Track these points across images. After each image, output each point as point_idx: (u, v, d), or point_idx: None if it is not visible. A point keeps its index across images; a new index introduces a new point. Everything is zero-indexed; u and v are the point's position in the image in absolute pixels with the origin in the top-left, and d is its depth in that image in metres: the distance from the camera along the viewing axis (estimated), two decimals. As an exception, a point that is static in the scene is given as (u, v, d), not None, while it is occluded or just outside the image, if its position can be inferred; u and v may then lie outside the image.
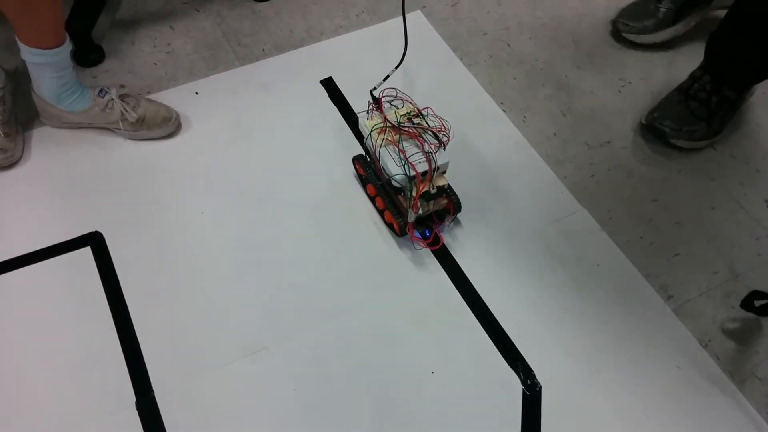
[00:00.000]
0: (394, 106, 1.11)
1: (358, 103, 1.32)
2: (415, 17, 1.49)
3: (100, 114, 1.20)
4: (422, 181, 1.02)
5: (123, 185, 1.18)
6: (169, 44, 1.40)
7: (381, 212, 1.17)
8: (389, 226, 1.15)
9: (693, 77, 1.31)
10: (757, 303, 1.07)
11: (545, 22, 1.52)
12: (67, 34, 1.12)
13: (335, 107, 1.32)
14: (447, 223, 1.15)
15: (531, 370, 1.02)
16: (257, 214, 1.16)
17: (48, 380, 0.98)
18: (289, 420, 0.96)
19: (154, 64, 1.37)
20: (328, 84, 1.36)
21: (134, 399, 0.96)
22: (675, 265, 1.15)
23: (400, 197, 1.08)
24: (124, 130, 1.21)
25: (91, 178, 1.19)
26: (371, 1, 1.52)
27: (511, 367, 1.02)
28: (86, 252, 1.11)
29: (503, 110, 1.35)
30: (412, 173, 1.01)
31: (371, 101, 1.12)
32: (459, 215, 1.16)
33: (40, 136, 1.24)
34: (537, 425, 0.97)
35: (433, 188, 1.04)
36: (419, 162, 1.02)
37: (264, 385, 0.99)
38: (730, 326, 1.09)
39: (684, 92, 1.30)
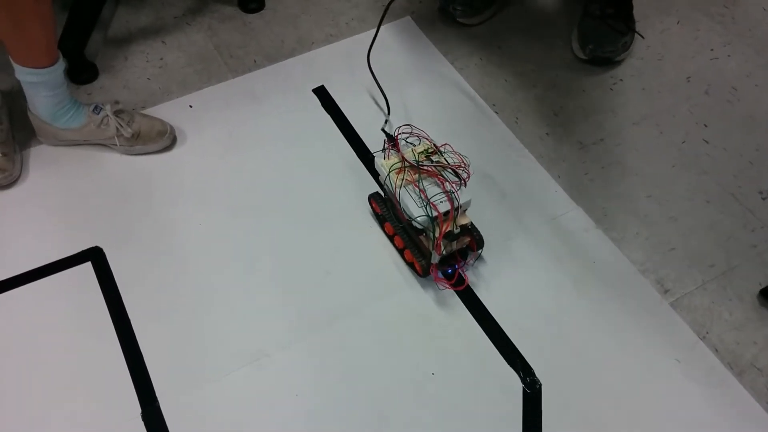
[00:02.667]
0: (410, 143, 1.09)
1: (351, 111, 1.33)
2: (404, 23, 1.50)
3: (95, 130, 1.21)
4: (445, 221, 1.00)
5: (121, 200, 1.19)
6: (161, 59, 1.42)
7: (401, 251, 1.13)
8: (410, 265, 1.11)
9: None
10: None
11: (535, 22, 1.53)
12: (60, 53, 1.13)
13: (328, 115, 1.33)
14: (471, 261, 1.13)
15: (530, 369, 1.03)
16: (254, 225, 1.17)
17: (53, 395, 0.99)
18: (292, 426, 0.97)
19: (148, 79, 1.38)
20: (321, 92, 1.37)
21: (139, 409, 0.97)
22: (671, 260, 1.16)
23: (422, 237, 1.04)
24: (120, 145, 1.22)
25: (90, 194, 1.20)
26: (360, 9, 1.53)
27: (511, 365, 1.03)
28: (87, 267, 1.12)
29: (495, 112, 1.36)
30: (434, 214, 0.99)
31: (386, 140, 1.10)
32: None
33: (38, 155, 1.25)
34: (538, 423, 0.97)
35: (456, 228, 1.01)
36: (441, 202, 1.00)
37: (267, 392, 1.00)
38: (727, 318, 1.10)
39: (595, 17, 1.43)
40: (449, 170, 1.04)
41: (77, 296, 1.08)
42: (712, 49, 1.49)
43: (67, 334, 1.04)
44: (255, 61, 1.42)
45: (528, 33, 1.51)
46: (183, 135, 1.29)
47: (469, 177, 1.05)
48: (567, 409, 0.99)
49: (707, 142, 1.33)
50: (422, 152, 1.06)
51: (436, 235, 0.99)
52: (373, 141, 1.29)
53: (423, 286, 1.10)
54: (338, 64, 1.42)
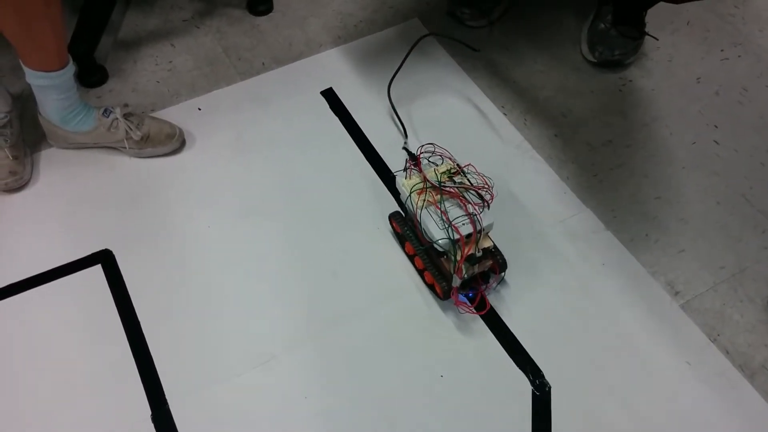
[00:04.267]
0: (433, 162, 1.07)
1: (360, 113, 1.33)
2: (413, 24, 1.50)
3: (105, 133, 1.21)
4: (467, 244, 0.97)
5: (130, 203, 1.20)
6: (170, 62, 1.42)
7: (421, 272, 1.10)
8: (430, 287, 1.09)
9: (600, 3, 1.45)
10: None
11: (544, 24, 1.53)
12: (70, 56, 1.14)
13: (336, 117, 1.33)
14: (493, 285, 1.10)
15: (540, 371, 1.02)
16: (263, 227, 1.18)
17: (64, 398, 0.99)
18: (301, 428, 0.97)
19: (157, 82, 1.39)
20: (329, 95, 1.37)
21: (150, 412, 0.98)
22: (681, 262, 1.16)
23: (443, 259, 1.02)
24: (130, 148, 1.23)
25: (99, 196, 1.21)
26: (369, 12, 1.54)
27: (520, 368, 1.02)
28: (97, 270, 1.12)
29: (504, 114, 1.36)
30: (456, 237, 0.97)
31: (408, 159, 1.08)
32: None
33: (48, 158, 1.26)
34: (548, 425, 0.97)
35: (478, 251, 0.99)
36: (463, 224, 0.98)
37: (275, 394, 1.00)
38: (738, 320, 1.09)
39: (607, 22, 1.42)
40: (472, 192, 1.03)
41: (87, 299, 1.09)
42: (722, 50, 1.48)
43: (77, 337, 1.05)
44: (263, 64, 1.42)
45: (536, 35, 1.51)
46: (192, 138, 1.29)
47: (492, 199, 1.03)
48: (576, 412, 0.99)
49: (717, 143, 1.32)
50: (444, 172, 1.04)
51: (458, 258, 0.97)
52: (382, 143, 1.29)
53: (431, 289, 1.10)
54: (347, 66, 1.42)
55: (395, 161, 1.26)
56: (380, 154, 1.27)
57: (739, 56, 1.47)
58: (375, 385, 1.01)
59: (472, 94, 1.38)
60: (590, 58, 1.44)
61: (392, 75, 1.35)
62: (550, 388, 1.01)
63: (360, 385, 1.01)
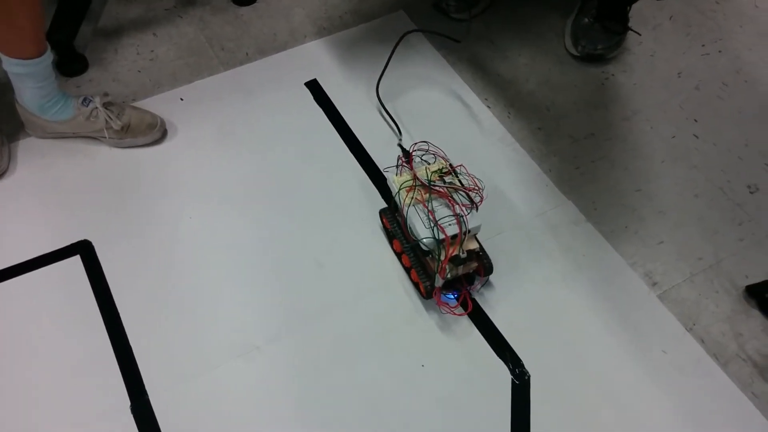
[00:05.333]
0: (425, 161, 1.07)
1: (344, 105, 1.33)
2: (398, 17, 1.50)
3: (84, 123, 1.20)
4: (452, 245, 0.97)
5: (110, 193, 1.19)
6: (152, 51, 1.41)
7: (407, 270, 1.10)
8: (415, 285, 1.09)
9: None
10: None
11: (528, 17, 1.53)
12: (48, 44, 1.12)
13: (320, 109, 1.33)
14: (477, 287, 1.09)
15: (519, 360, 1.03)
16: (245, 219, 1.17)
17: (42, 388, 0.98)
18: (283, 416, 0.97)
19: (138, 71, 1.37)
20: (313, 86, 1.37)
21: (129, 403, 0.97)
22: (660, 253, 1.17)
23: (428, 259, 1.02)
24: (110, 138, 1.22)
25: (78, 187, 1.20)
26: (354, 3, 1.53)
27: (500, 357, 1.03)
28: (76, 260, 1.11)
29: (487, 106, 1.36)
30: (441, 236, 0.96)
31: (401, 155, 1.08)
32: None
33: (26, 147, 1.24)
34: (526, 413, 0.98)
35: (463, 252, 0.99)
36: (449, 224, 0.98)
37: (257, 384, 1.00)
38: (714, 310, 1.11)
39: (590, 16, 1.44)
40: (462, 193, 1.03)
41: (66, 289, 1.08)
42: (703, 45, 1.50)
43: (56, 328, 1.04)
44: (247, 54, 1.42)
45: (521, 28, 1.51)
46: (173, 128, 1.28)
47: (482, 201, 1.03)
48: (555, 400, 1.00)
49: (697, 137, 1.33)
50: (436, 171, 1.04)
51: (442, 258, 0.98)
52: (366, 135, 1.29)
53: (416, 287, 1.10)
54: (331, 58, 1.42)
55: (379, 153, 1.26)
56: (364, 146, 1.27)
57: (720, 51, 1.48)
58: (357, 375, 1.01)
59: (456, 87, 1.38)
60: (573, 52, 1.44)
61: (380, 73, 1.35)
62: (529, 376, 1.02)
63: (342, 376, 1.01)
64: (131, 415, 0.96)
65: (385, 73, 1.35)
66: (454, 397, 1.00)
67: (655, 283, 1.13)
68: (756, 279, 1.13)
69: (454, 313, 1.06)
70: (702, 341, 1.07)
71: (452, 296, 1.06)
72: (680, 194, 1.25)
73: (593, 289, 1.11)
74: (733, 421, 1.00)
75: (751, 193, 1.26)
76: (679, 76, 1.43)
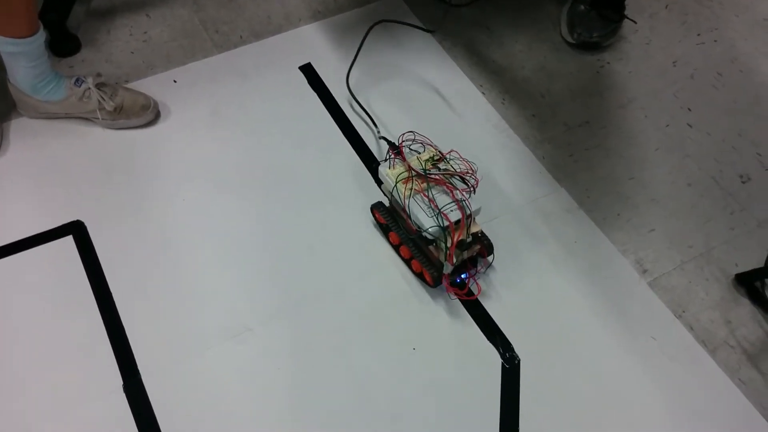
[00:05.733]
0: (414, 150, 1.07)
1: (338, 89, 1.33)
2: (393, 1, 1.49)
3: (77, 103, 1.20)
4: (456, 230, 0.97)
5: (103, 174, 1.18)
6: (145, 32, 1.40)
7: (407, 261, 1.09)
8: (419, 275, 1.08)
9: None
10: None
11: (524, 3, 1.53)
12: (41, 23, 1.12)
13: (315, 93, 1.33)
14: (482, 269, 1.10)
15: (510, 344, 1.04)
16: (238, 201, 1.17)
17: (35, 368, 0.98)
18: (274, 397, 0.97)
19: (131, 52, 1.37)
20: (307, 70, 1.36)
21: (121, 382, 0.97)
22: (651, 241, 1.18)
23: (431, 247, 1.02)
24: (103, 119, 1.21)
25: (71, 167, 1.19)
26: (349, -14, 1.52)
27: (490, 341, 1.04)
28: (68, 241, 1.11)
29: (482, 93, 1.36)
30: (446, 224, 0.96)
31: (390, 148, 1.08)
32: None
33: (18, 128, 1.23)
34: (516, 397, 0.99)
35: (468, 236, 0.99)
36: (451, 210, 0.98)
37: (249, 365, 1.00)
38: (703, 297, 1.11)
39: (586, 3, 1.43)
40: (457, 177, 1.02)
41: (58, 270, 1.08)
42: (698, 34, 1.50)
43: (48, 307, 1.04)
44: (241, 37, 1.41)
45: (517, 14, 1.51)
46: (167, 110, 1.28)
47: (477, 183, 1.03)
48: (544, 384, 1.01)
49: (691, 126, 1.34)
50: (428, 159, 1.04)
51: (448, 245, 0.97)
52: (360, 120, 1.28)
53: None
54: (325, 41, 1.41)
55: (373, 138, 1.26)
56: (358, 131, 1.27)
57: (715, 41, 1.48)
58: (348, 357, 1.02)
59: (452, 73, 1.38)
60: (569, 39, 1.44)
61: (350, 65, 1.33)
62: (519, 361, 1.02)
63: (333, 358, 1.01)
64: (123, 395, 0.96)
65: (380, 60, 1.35)
66: (444, 381, 1.00)
67: (645, 271, 1.14)
68: (746, 267, 1.14)
69: (464, 297, 1.07)
70: (691, 328, 1.08)
71: (460, 280, 1.06)
72: (673, 183, 1.25)
73: (584, 276, 1.12)
74: (720, 407, 1.01)
75: (743, 182, 1.26)
76: (675, 65, 1.43)
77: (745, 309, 1.11)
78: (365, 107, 1.28)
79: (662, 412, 0.99)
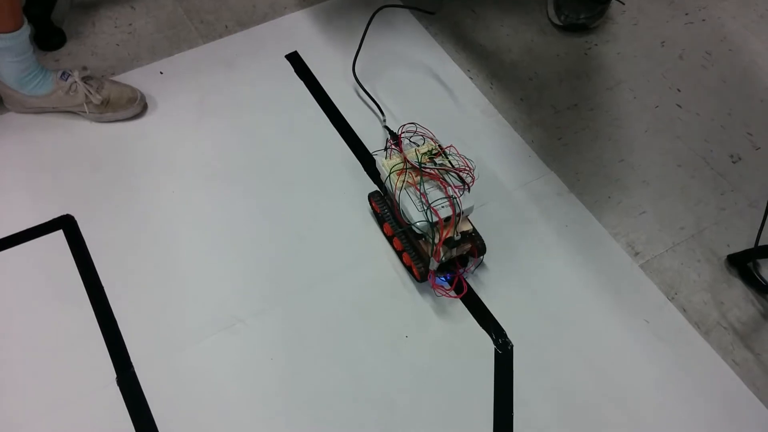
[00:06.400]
0: (414, 143, 1.05)
1: (325, 78, 1.32)
2: (379, -13, 1.48)
3: (64, 97, 1.19)
4: (446, 227, 0.96)
5: (92, 168, 1.18)
6: (130, 24, 1.39)
7: (399, 253, 1.09)
8: (408, 269, 1.07)
9: None
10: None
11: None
12: (25, 18, 1.10)
13: (302, 81, 1.32)
14: (471, 268, 1.09)
15: (502, 330, 1.04)
16: (227, 192, 1.17)
17: (28, 363, 0.98)
18: (267, 388, 0.98)
19: (117, 45, 1.35)
20: (294, 58, 1.35)
21: (115, 375, 0.97)
22: (642, 223, 1.18)
23: (421, 242, 1.01)
24: (90, 112, 1.20)
25: (59, 162, 1.18)
26: (335, -27, 1.51)
27: (483, 327, 1.04)
28: (59, 235, 1.10)
29: (470, 78, 1.35)
30: (435, 219, 0.96)
31: (389, 138, 1.06)
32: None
33: (5, 123, 1.22)
34: (509, 382, 0.99)
35: (457, 234, 0.98)
36: (442, 207, 0.97)
37: (241, 356, 1.00)
38: (695, 279, 1.12)
39: None
40: (453, 174, 1.01)
41: (49, 264, 1.07)
42: (687, 14, 1.49)
43: (40, 302, 1.04)
44: (226, 27, 1.40)
45: (504, -2, 1.50)
46: (153, 102, 1.27)
47: (473, 182, 1.02)
48: (538, 369, 1.01)
49: (680, 107, 1.33)
50: (425, 153, 1.02)
51: (436, 241, 0.96)
52: (347, 107, 1.28)
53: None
54: (311, 29, 1.40)
55: (361, 126, 1.26)
56: (346, 119, 1.26)
57: (704, 20, 1.48)
58: (341, 346, 1.02)
59: (438, 59, 1.37)
60: (556, 21, 1.43)
61: (356, 51, 1.32)
62: (512, 346, 1.03)
63: (325, 347, 1.02)
64: (117, 388, 0.96)
65: (366, 47, 1.34)
66: (437, 368, 1.00)
67: (637, 253, 1.14)
68: (737, 248, 1.14)
69: (449, 296, 1.06)
70: (684, 310, 1.08)
71: (445, 279, 1.05)
72: (663, 164, 1.25)
73: (576, 260, 1.12)
74: (714, 388, 1.01)
75: (733, 162, 1.26)
76: (663, 46, 1.43)
77: (737, 290, 1.12)
78: (372, 95, 1.28)
79: (656, 394, 1.00)
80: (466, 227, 1.00)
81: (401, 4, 1.41)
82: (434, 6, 1.37)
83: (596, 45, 1.42)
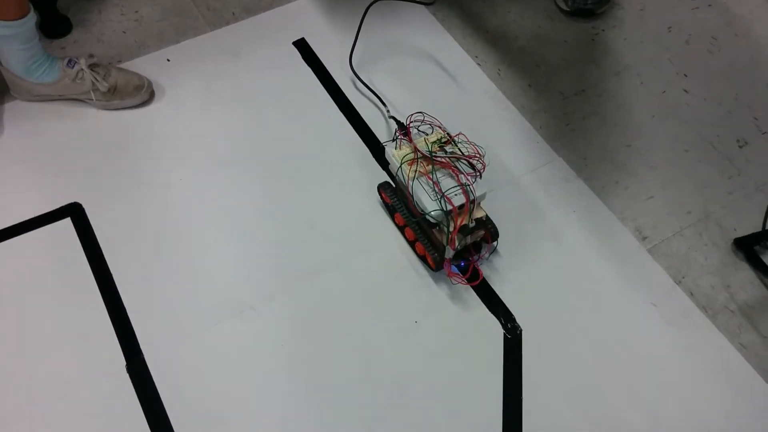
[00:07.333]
0: (422, 132, 1.05)
1: (333, 65, 1.32)
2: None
3: (70, 85, 1.19)
4: (460, 215, 0.96)
5: (99, 156, 1.18)
6: (136, 12, 1.38)
7: (411, 243, 1.09)
8: (422, 258, 1.08)
9: None
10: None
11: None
12: (31, 5, 1.10)
13: (310, 69, 1.32)
14: (486, 255, 1.09)
15: (511, 315, 1.04)
16: (236, 179, 1.17)
17: (37, 351, 0.99)
18: (277, 375, 0.98)
19: (123, 32, 1.35)
20: (301, 45, 1.35)
21: (124, 362, 0.98)
22: (650, 207, 1.18)
23: (435, 231, 1.01)
24: (97, 100, 1.20)
25: (67, 149, 1.18)
26: (340, -40, 1.50)
27: (492, 312, 1.05)
28: (67, 223, 1.11)
29: (478, 64, 1.35)
30: (449, 208, 0.95)
31: (398, 129, 1.06)
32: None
33: (12, 111, 1.22)
34: (519, 367, 0.99)
35: (471, 222, 0.98)
36: (455, 195, 0.97)
37: (251, 343, 1.01)
38: (703, 263, 1.12)
39: None
40: (463, 161, 1.01)
41: (58, 252, 1.08)
42: (693, -1, 1.49)
43: (49, 290, 1.04)
44: (233, 14, 1.39)
45: (510, -17, 1.49)
46: (161, 89, 1.27)
47: (484, 168, 1.01)
48: (547, 354, 1.01)
49: (687, 92, 1.33)
50: (435, 142, 1.02)
51: (451, 229, 0.96)
52: (356, 94, 1.28)
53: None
54: (318, 15, 1.40)
55: (369, 112, 1.25)
56: (354, 105, 1.26)
57: (710, 5, 1.47)
58: (351, 332, 1.02)
59: (446, 45, 1.37)
60: (563, 6, 1.43)
61: (352, 44, 1.31)
62: (521, 331, 1.03)
63: (336, 333, 1.02)
64: (127, 375, 0.97)
65: (375, 33, 1.34)
66: (447, 353, 1.01)
67: (645, 238, 1.14)
68: (744, 232, 1.15)
69: (465, 283, 1.06)
70: (691, 294, 1.08)
71: (463, 265, 1.05)
72: (671, 149, 1.25)
73: (584, 245, 1.12)
74: (721, 371, 1.01)
75: (740, 147, 1.26)
76: (669, 31, 1.42)
77: (744, 273, 1.12)
78: (371, 87, 1.27)
79: (663, 377, 1.00)
80: (479, 214, 1.00)
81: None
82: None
83: (603, 30, 1.42)
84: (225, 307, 1.03)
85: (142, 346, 0.99)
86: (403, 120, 1.11)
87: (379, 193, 1.13)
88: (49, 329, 1.01)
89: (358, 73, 1.29)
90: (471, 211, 0.98)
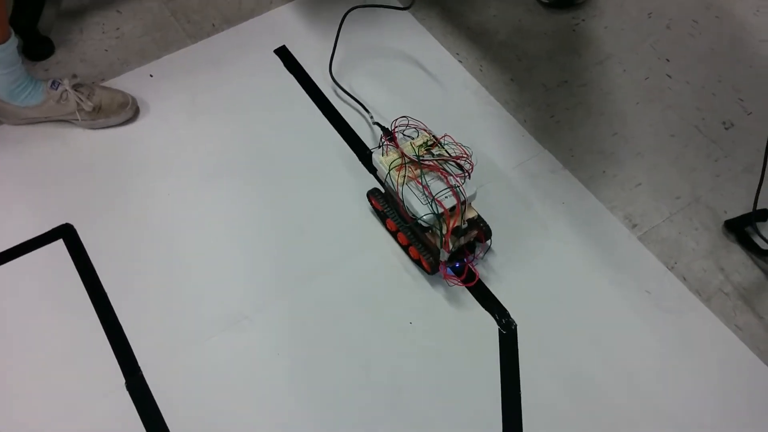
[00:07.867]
0: (408, 136, 1.05)
1: (315, 71, 1.32)
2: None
3: (55, 106, 1.19)
4: (451, 216, 0.97)
5: (88, 175, 1.18)
6: (118, 29, 1.39)
7: (405, 248, 1.09)
8: (416, 262, 1.08)
9: None
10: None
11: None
12: (12, 30, 1.11)
13: (292, 75, 1.32)
14: (480, 255, 1.09)
15: (505, 310, 1.05)
16: (224, 190, 1.17)
17: (37, 373, 0.99)
18: (276, 384, 0.98)
19: (105, 50, 1.35)
20: (283, 53, 1.35)
21: (123, 380, 0.98)
22: (638, 195, 1.18)
23: (428, 234, 1.01)
24: (82, 120, 1.21)
25: (56, 171, 1.19)
26: (318, -35, 1.51)
27: (486, 309, 1.05)
28: (59, 245, 1.11)
29: (459, 61, 1.35)
30: (440, 211, 0.96)
31: (383, 135, 1.06)
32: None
33: (-1, 136, 1.23)
34: (515, 361, 1.00)
35: (464, 223, 0.98)
36: (446, 197, 0.97)
37: (249, 353, 1.01)
38: (694, 247, 1.12)
39: None
40: (451, 162, 1.01)
41: (52, 274, 1.08)
42: (672, -17, 1.49)
43: (45, 312, 1.04)
44: (213, 25, 1.40)
45: (488, -21, 1.49)
46: (145, 105, 1.27)
47: (472, 168, 1.02)
48: (543, 347, 1.02)
49: (670, 77, 1.33)
50: (421, 145, 1.02)
51: (444, 231, 0.96)
52: (339, 99, 1.28)
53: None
54: (298, 23, 1.40)
55: (353, 116, 1.26)
56: (337, 109, 1.27)
57: (689, -11, 1.48)
58: (347, 336, 1.03)
59: (427, 45, 1.37)
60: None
61: (331, 52, 1.31)
62: (516, 326, 1.03)
63: (332, 338, 1.02)
64: (126, 392, 0.97)
65: (354, 35, 1.34)
66: (443, 352, 1.01)
67: (635, 225, 1.14)
68: (734, 213, 1.15)
69: (462, 284, 1.07)
70: (684, 279, 1.09)
71: (453, 269, 1.05)
72: (656, 135, 1.26)
73: (574, 236, 1.12)
74: (719, 354, 1.02)
75: (726, 129, 1.26)
76: (650, 17, 1.43)
77: (736, 255, 1.12)
78: (352, 94, 1.27)
79: (661, 364, 1.01)
80: (471, 214, 1.00)
81: (366, 4, 1.39)
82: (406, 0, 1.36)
83: (583, 20, 1.42)
84: (220, 319, 1.04)
85: (140, 363, 1.00)
86: (387, 125, 1.11)
87: (369, 201, 1.13)
88: (48, 351, 1.01)
89: (340, 79, 1.29)
90: (463, 212, 0.98)
